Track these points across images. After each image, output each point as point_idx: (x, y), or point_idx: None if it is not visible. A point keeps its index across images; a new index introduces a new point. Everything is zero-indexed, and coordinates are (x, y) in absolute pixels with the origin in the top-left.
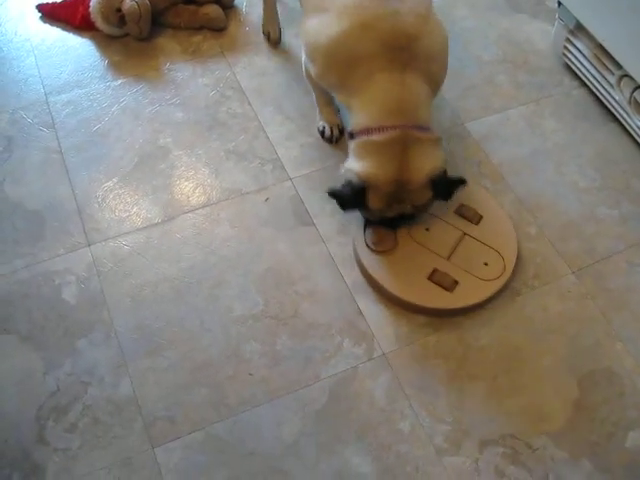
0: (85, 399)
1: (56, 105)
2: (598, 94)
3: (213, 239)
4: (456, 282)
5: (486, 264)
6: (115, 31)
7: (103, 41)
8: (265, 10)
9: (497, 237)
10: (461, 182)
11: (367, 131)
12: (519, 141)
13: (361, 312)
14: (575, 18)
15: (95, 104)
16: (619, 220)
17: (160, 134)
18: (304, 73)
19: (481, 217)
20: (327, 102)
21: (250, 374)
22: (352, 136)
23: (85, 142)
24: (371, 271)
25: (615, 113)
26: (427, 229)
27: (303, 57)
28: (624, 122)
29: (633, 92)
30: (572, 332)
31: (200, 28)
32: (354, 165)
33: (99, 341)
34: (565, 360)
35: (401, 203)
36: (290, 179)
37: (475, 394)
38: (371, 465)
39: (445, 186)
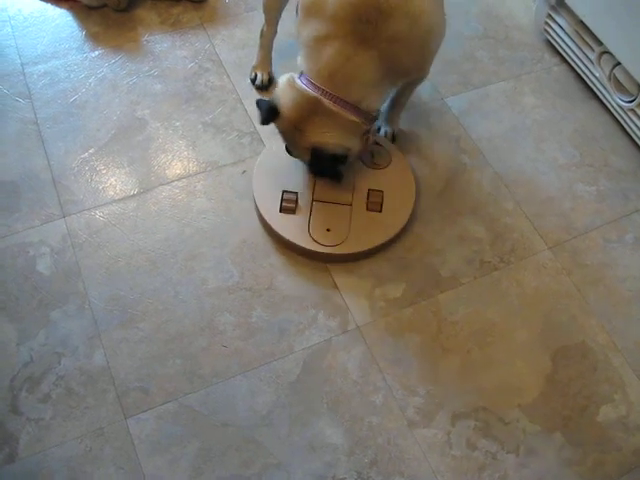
0: (58, 370)
1: (33, 76)
2: (579, 71)
3: (189, 211)
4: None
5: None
6: (93, 2)
7: (81, 12)
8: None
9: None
10: (336, 176)
11: (302, 76)
12: (499, 117)
13: (336, 285)
14: None
15: (72, 75)
16: (597, 197)
17: (138, 106)
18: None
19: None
20: (269, 46)
21: (224, 346)
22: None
23: (61, 113)
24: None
25: (595, 90)
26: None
27: None
28: (604, 99)
29: (613, 69)
30: (547, 307)
31: (179, 0)
32: (278, 90)
33: (73, 312)
34: (539, 335)
35: (296, 150)
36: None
37: (449, 368)
38: (343, 437)
39: (319, 163)
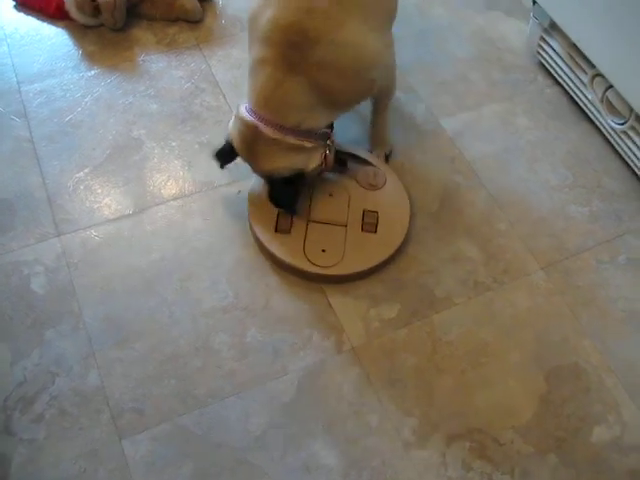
0: (52, 390)
1: (28, 94)
2: (571, 93)
3: (184, 231)
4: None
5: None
6: (90, 21)
7: (77, 31)
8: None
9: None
10: (291, 208)
11: (242, 105)
12: (492, 138)
13: (331, 305)
14: (549, 17)
15: (68, 94)
16: (589, 218)
17: (133, 125)
18: None
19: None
20: None
21: (218, 366)
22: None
23: (57, 132)
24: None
25: (588, 112)
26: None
27: None
28: (596, 121)
29: (605, 91)
30: (540, 328)
31: (176, 20)
32: (230, 123)
33: (67, 332)
34: (533, 355)
35: (257, 174)
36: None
37: (443, 388)
38: (338, 458)
39: (276, 190)
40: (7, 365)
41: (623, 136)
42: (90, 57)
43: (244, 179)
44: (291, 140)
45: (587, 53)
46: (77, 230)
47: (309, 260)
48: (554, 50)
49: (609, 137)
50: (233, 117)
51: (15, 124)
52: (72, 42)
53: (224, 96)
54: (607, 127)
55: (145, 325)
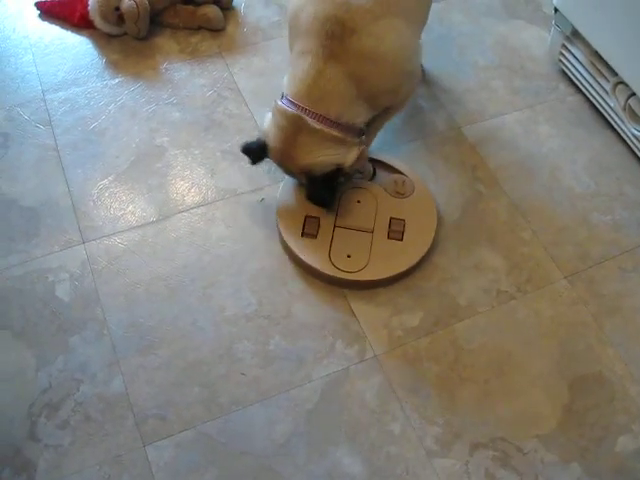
0: (77, 396)
1: (53, 103)
2: (593, 101)
3: (207, 238)
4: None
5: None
6: (113, 30)
7: (101, 40)
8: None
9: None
10: (317, 202)
11: (283, 97)
12: (514, 146)
13: (354, 313)
14: (571, 25)
15: (92, 102)
16: (612, 226)
17: (156, 133)
18: None
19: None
20: None
21: (242, 374)
22: (282, 95)
23: (81, 140)
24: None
25: (610, 120)
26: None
27: None
28: (619, 129)
29: (628, 99)
30: (563, 337)
31: (198, 28)
32: (264, 124)
33: (92, 338)
34: (556, 365)
35: (290, 174)
36: (285, 179)
37: (466, 397)
38: (361, 466)
39: (314, 186)
40: (32, 371)
41: None
42: (114, 65)
43: (267, 186)
44: (334, 132)
45: (609, 61)
46: (101, 237)
47: (334, 265)
48: (576, 58)
49: (631, 145)
50: (269, 114)
51: (40, 132)
52: (96, 51)
53: (246, 104)
54: (630, 135)
55: (168, 332)
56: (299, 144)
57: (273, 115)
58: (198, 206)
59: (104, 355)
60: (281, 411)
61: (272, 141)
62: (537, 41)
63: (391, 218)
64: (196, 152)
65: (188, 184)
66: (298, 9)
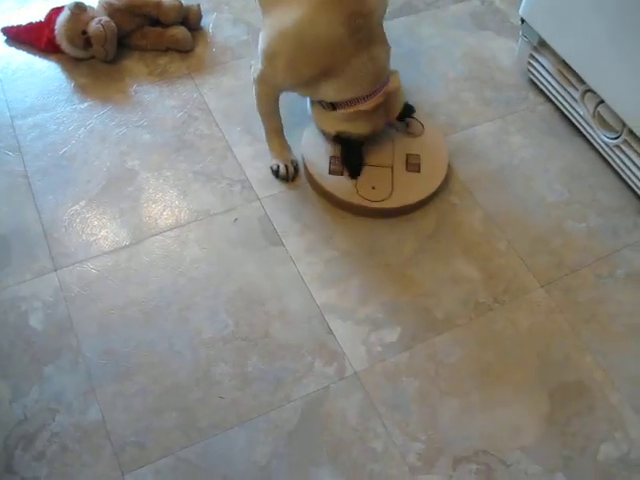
0: (53, 426)
1: (22, 129)
2: (563, 109)
3: (182, 261)
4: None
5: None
6: (81, 53)
7: (69, 64)
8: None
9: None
10: (411, 109)
11: (354, 101)
12: (487, 157)
13: (332, 331)
14: (538, 35)
15: (61, 127)
16: (586, 233)
17: (127, 156)
18: (257, 102)
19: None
20: (278, 131)
21: (221, 397)
22: (334, 107)
23: (51, 166)
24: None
25: (580, 128)
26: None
27: (256, 81)
28: (589, 137)
29: (597, 107)
30: (542, 346)
31: (167, 50)
32: (346, 127)
33: (67, 367)
34: (536, 374)
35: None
36: (258, 199)
37: (448, 411)
38: None
39: (405, 114)
40: (7, 403)
41: (616, 150)
42: (82, 89)
43: (240, 206)
44: (396, 79)
45: (577, 69)
46: (74, 264)
47: (362, 196)
48: (544, 67)
49: (602, 152)
50: (342, 126)
51: (9, 159)
52: (64, 75)
53: (217, 124)
54: (600, 142)
55: (145, 357)
56: (390, 106)
57: (355, 117)
58: (171, 229)
59: (79, 383)
60: (261, 433)
61: (368, 131)
62: (505, 52)
63: (407, 154)
64: (168, 174)
65: (160, 207)
66: (308, 20)
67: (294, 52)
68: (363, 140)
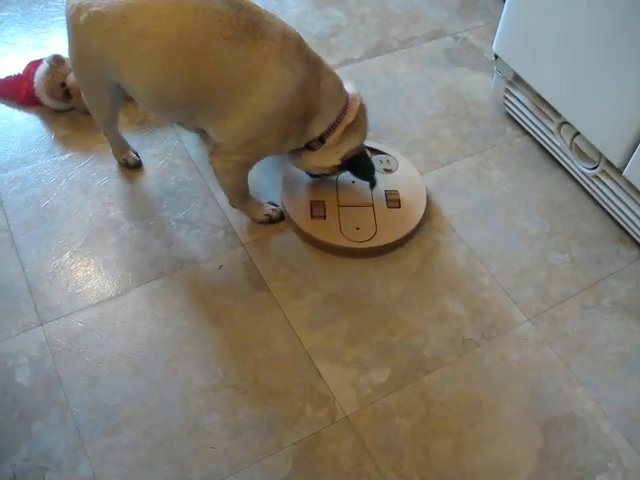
0: None
1: (3, 182)
2: (540, 141)
3: (169, 311)
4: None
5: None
6: (61, 105)
7: (49, 116)
8: (111, 141)
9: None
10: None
11: (338, 119)
12: (467, 192)
13: (321, 375)
14: (512, 70)
15: (43, 180)
16: (570, 264)
17: (110, 207)
18: (228, 189)
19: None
20: (249, 195)
21: (212, 447)
22: (323, 140)
23: (34, 219)
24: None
25: (558, 159)
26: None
27: (229, 173)
28: (567, 167)
29: (573, 138)
30: (532, 380)
31: None
32: (344, 147)
33: (55, 423)
34: (527, 409)
35: None
36: (242, 245)
37: (441, 450)
38: None
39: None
40: None
41: (595, 180)
42: (63, 141)
43: (224, 253)
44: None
45: (552, 103)
46: (59, 318)
47: (347, 238)
48: (520, 101)
49: (581, 182)
50: (344, 146)
51: None
52: (44, 127)
53: (198, 171)
54: (579, 173)
55: (135, 410)
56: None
57: (350, 132)
58: (157, 278)
59: (69, 440)
60: None
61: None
62: (481, 86)
63: (385, 191)
64: (151, 223)
65: (145, 256)
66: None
67: (285, 120)
68: (364, 149)
